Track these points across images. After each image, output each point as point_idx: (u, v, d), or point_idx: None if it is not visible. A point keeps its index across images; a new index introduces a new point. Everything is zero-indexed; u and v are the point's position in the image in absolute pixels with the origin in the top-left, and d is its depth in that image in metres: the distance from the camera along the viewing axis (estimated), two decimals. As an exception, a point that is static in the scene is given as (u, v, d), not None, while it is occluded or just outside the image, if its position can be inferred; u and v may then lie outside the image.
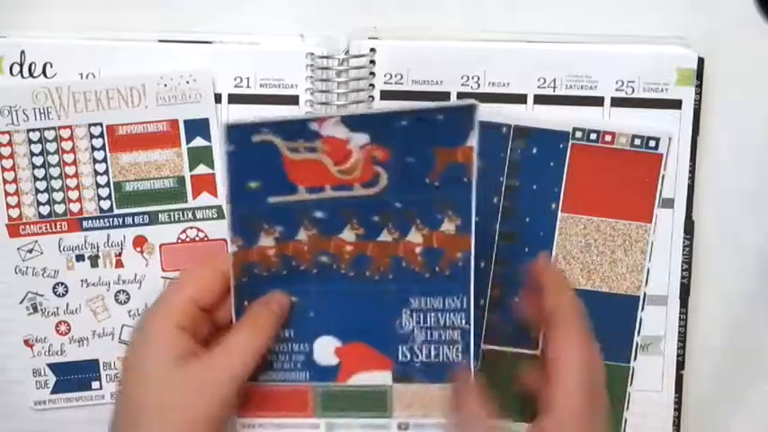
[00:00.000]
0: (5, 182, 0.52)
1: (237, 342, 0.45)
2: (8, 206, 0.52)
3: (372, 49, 0.52)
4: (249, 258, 0.46)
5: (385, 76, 0.52)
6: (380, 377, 0.47)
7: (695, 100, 0.52)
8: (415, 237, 0.46)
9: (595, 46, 0.52)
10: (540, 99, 0.52)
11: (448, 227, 0.45)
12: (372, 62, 0.52)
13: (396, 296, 0.46)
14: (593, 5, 0.54)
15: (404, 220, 0.45)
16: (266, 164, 0.45)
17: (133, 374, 0.44)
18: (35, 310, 0.53)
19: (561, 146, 0.52)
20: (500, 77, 0.52)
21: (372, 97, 0.52)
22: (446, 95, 0.52)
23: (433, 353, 0.46)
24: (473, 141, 0.44)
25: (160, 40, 0.52)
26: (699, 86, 0.52)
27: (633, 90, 0.52)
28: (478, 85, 0.52)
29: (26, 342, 0.53)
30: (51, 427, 0.54)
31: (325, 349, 0.47)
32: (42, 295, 0.53)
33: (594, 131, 0.52)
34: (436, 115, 0.44)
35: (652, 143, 0.52)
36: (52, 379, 0.53)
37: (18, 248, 0.52)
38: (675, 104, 0.52)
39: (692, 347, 0.54)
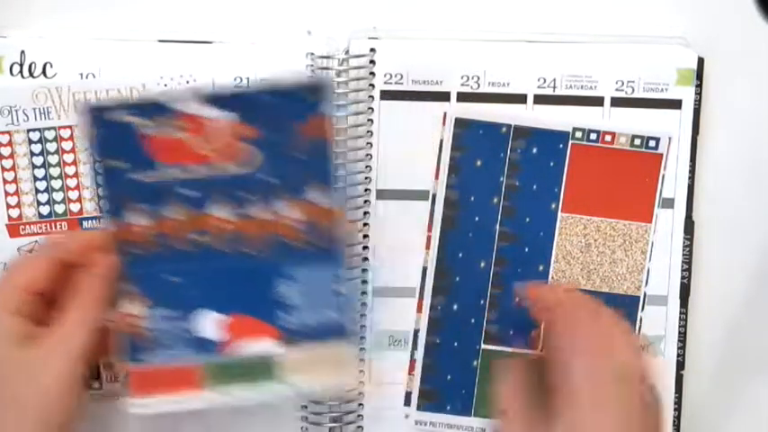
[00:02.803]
0: (5, 182, 0.52)
1: (69, 315, 0.45)
2: (8, 206, 0.52)
3: (372, 49, 0.52)
4: (123, 237, 0.46)
5: (385, 76, 0.52)
6: (265, 345, 0.48)
7: (695, 100, 0.52)
8: (287, 211, 0.46)
9: (595, 46, 0.52)
10: (539, 99, 0.52)
11: (317, 199, 0.46)
12: (372, 62, 0.52)
13: (273, 268, 0.47)
14: (593, 5, 0.54)
15: (276, 196, 0.46)
16: (126, 143, 0.45)
17: None
18: (35, 310, 0.53)
19: (561, 146, 0.52)
20: (500, 77, 0.52)
21: (372, 97, 0.52)
22: (446, 95, 0.52)
23: (314, 316, 0.47)
24: (328, 112, 0.45)
25: (160, 40, 0.52)
26: (699, 86, 0.52)
27: (633, 90, 0.52)
28: (478, 85, 0.52)
29: (26, 342, 0.53)
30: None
31: (208, 323, 0.47)
32: (42, 295, 0.53)
33: (594, 131, 0.52)
34: (293, 90, 0.45)
35: (652, 143, 0.52)
36: (52, 379, 0.53)
37: (18, 248, 0.52)
38: (675, 104, 0.52)
39: (691, 347, 0.54)
